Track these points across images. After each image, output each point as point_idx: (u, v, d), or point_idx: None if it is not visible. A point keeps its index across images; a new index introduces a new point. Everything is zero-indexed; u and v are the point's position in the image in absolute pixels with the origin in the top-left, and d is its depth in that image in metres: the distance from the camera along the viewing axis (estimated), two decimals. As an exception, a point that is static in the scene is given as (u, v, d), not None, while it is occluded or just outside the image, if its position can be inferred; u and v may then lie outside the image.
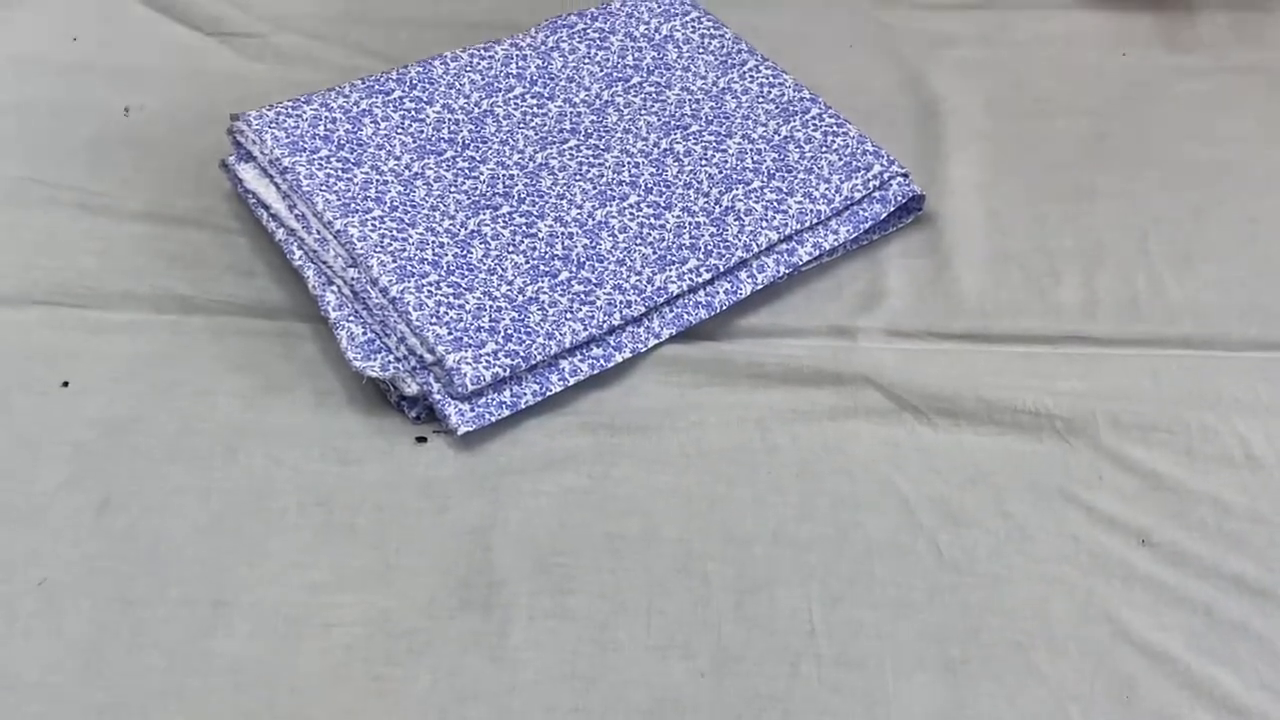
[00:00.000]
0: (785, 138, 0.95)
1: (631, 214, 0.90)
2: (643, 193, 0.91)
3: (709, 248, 0.88)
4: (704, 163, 0.93)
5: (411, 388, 0.80)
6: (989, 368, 0.84)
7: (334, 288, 0.84)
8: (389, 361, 0.81)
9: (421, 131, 0.93)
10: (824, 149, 0.94)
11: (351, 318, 0.83)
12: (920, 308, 0.88)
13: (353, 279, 0.83)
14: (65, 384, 0.82)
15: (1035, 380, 0.84)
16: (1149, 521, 0.77)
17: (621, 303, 0.85)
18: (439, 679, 0.69)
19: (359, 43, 1.08)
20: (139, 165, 0.96)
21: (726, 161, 0.94)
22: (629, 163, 0.93)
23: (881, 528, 0.76)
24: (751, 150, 0.94)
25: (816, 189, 0.91)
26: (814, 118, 0.96)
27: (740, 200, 0.91)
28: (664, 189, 0.92)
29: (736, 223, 0.89)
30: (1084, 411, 0.82)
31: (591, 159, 0.93)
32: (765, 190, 0.91)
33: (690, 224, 0.89)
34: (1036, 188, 0.97)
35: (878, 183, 0.92)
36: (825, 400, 0.82)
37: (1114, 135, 1.02)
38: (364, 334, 0.82)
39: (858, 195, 0.91)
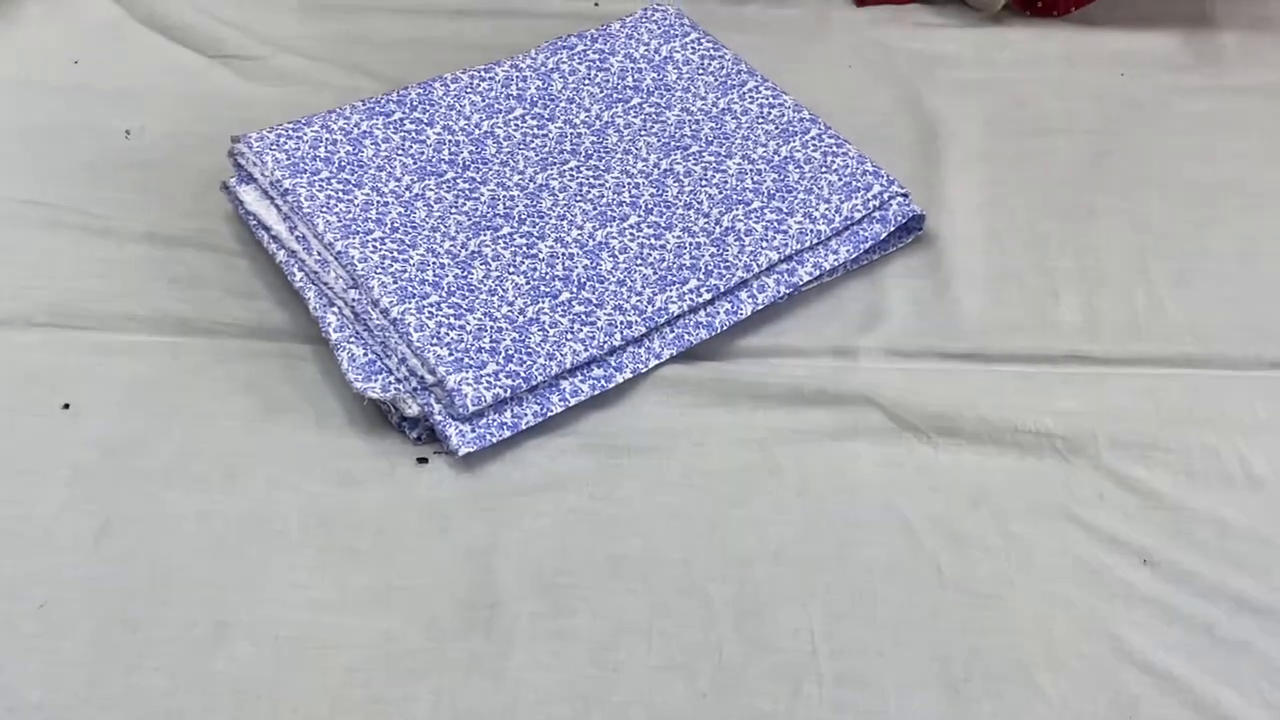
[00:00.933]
0: (785, 158, 0.95)
1: (632, 234, 0.90)
2: (643, 213, 0.91)
3: (709, 268, 0.88)
4: (704, 183, 0.94)
5: (412, 409, 0.80)
6: (989, 387, 0.84)
7: (335, 309, 0.84)
8: (390, 383, 0.81)
9: (422, 153, 0.93)
10: (824, 169, 0.94)
11: (352, 339, 0.83)
12: (921, 328, 0.88)
13: (353, 300, 0.83)
14: (66, 406, 0.82)
15: (1036, 400, 0.84)
16: (1150, 541, 0.77)
17: (622, 323, 0.85)
18: (441, 700, 0.69)
19: (359, 64, 1.09)
20: (140, 187, 0.96)
21: (726, 182, 0.94)
22: (629, 183, 0.93)
23: (883, 547, 0.76)
24: (751, 171, 0.94)
25: (816, 209, 0.92)
26: (814, 138, 0.97)
27: (740, 220, 0.91)
28: (664, 209, 0.92)
29: (737, 243, 0.89)
30: (1084, 431, 0.82)
31: (592, 180, 0.93)
32: (765, 210, 0.92)
33: (690, 244, 0.90)
34: (1036, 207, 0.97)
35: (877, 203, 0.92)
36: (826, 420, 0.82)
37: (1113, 155, 1.02)
38: (365, 355, 0.82)
39: (857, 215, 0.91)
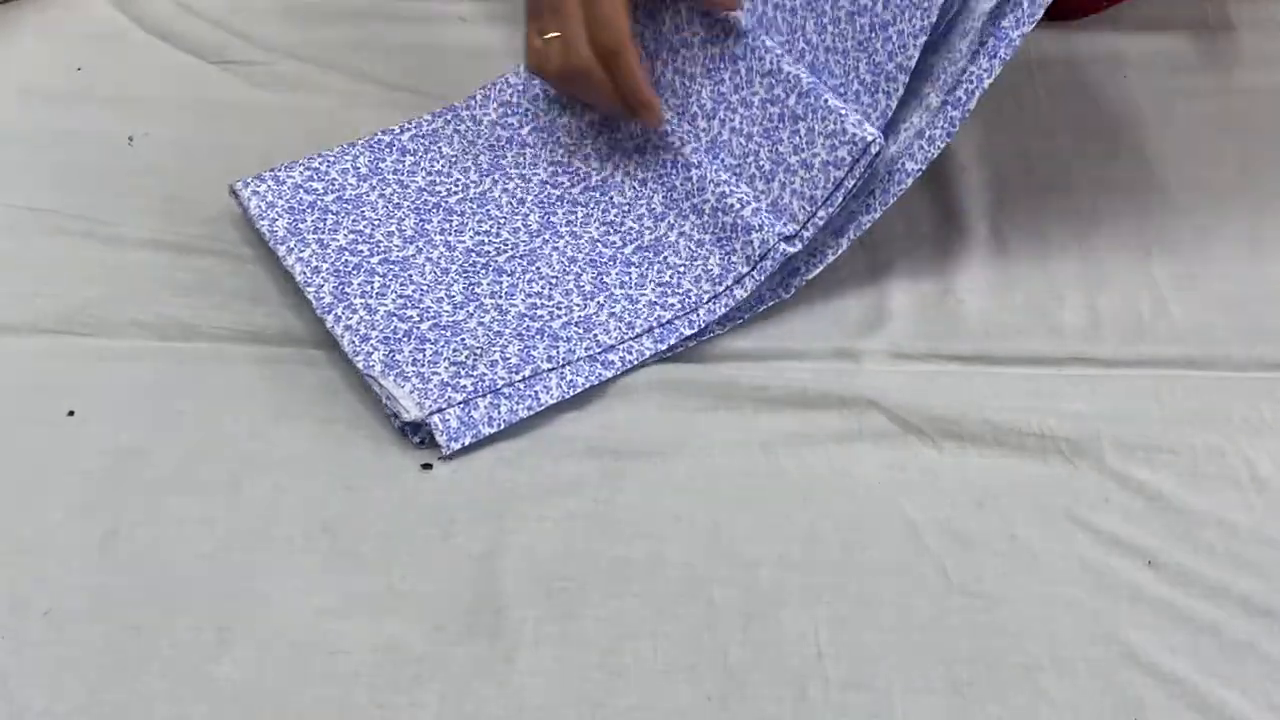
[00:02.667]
0: (774, 128, 0.92)
1: (635, 264, 0.90)
2: (652, 223, 0.92)
3: (716, 273, 0.88)
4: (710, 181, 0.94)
5: (412, 413, 0.80)
6: (993, 390, 0.84)
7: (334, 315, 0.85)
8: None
9: (410, 196, 0.93)
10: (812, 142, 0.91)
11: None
12: (924, 330, 0.88)
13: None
14: (71, 413, 0.82)
15: (1040, 402, 0.84)
16: (1155, 543, 0.77)
17: (618, 327, 0.85)
18: (446, 705, 0.69)
19: (361, 70, 1.09)
20: (144, 193, 0.96)
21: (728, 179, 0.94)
22: (633, 197, 0.93)
23: (887, 551, 0.76)
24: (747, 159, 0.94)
25: (797, 175, 0.90)
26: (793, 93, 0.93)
27: (742, 217, 0.91)
28: (669, 214, 0.92)
29: (740, 238, 0.89)
30: (1089, 433, 0.82)
31: (590, 210, 0.93)
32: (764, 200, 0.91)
33: (695, 245, 0.90)
34: (1039, 209, 0.97)
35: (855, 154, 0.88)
36: (830, 424, 0.82)
37: (1117, 157, 1.02)
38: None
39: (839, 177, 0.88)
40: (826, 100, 0.88)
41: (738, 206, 0.90)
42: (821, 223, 0.88)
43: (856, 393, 0.84)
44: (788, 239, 0.88)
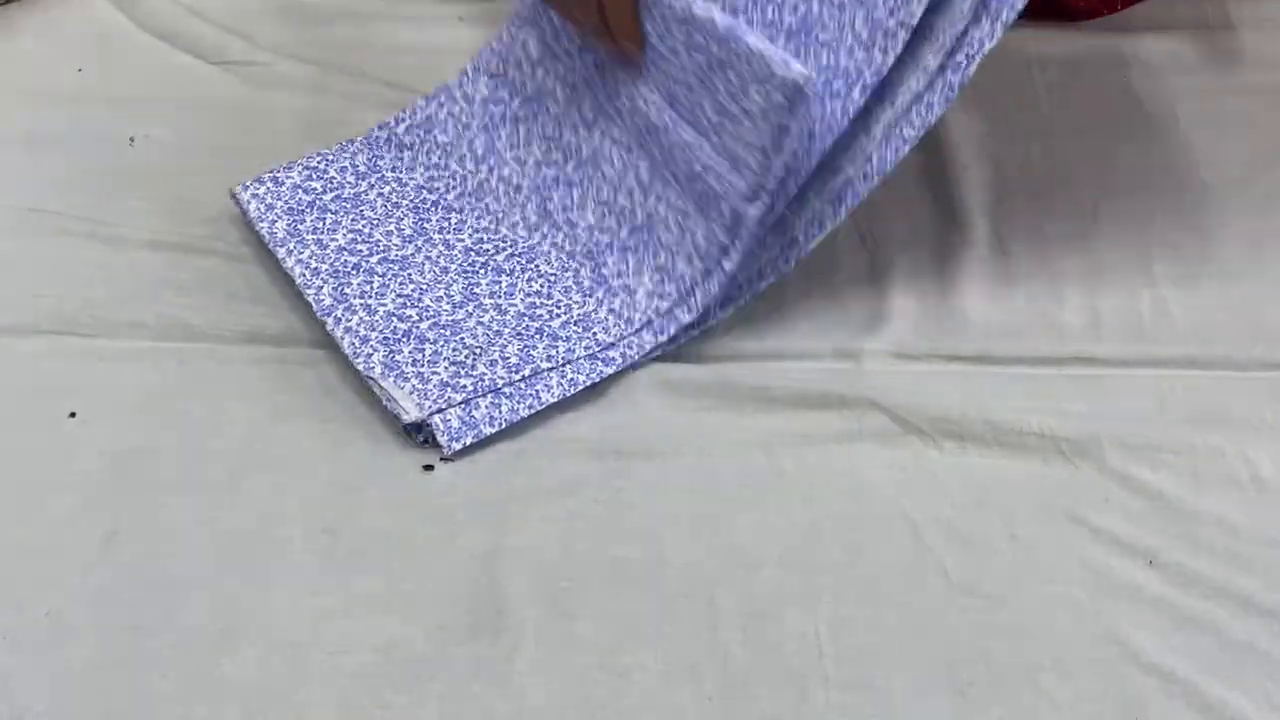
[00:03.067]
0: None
1: (632, 248, 0.89)
2: (641, 196, 0.91)
3: (704, 247, 0.87)
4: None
5: (411, 415, 0.80)
6: (994, 390, 0.84)
7: (334, 316, 0.85)
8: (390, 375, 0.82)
9: (409, 194, 0.93)
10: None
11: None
12: (925, 330, 0.88)
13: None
14: (72, 414, 0.82)
15: (1041, 402, 0.84)
16: (1156, 543, 0.77)
17: (615, 325, 0.85)
18: (446, 706, 0.69)
19: (362, 70, 1.09)
20: (146, 194, 0.96)
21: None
22: (621, 168, 0.93)
23: (889, 551, 0.76)
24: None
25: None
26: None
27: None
28: (656, 180, 0.91)
29: (717, 214, 0.88)
30: (1090, 433, 0.82)
31: (585, 189, 0.93)
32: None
33: (689, 227, 0.88)
34: (1040, 209, 0.97)
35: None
36: (831, 424, 0.82)
37: (1117, 156, 1.02)
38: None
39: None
40: (748, 44, 0.79)
41: (702, 172, 0.85)
42: (781, 174, 0.82)
43: (857, 393, 0.84)
44: (749, 200, 0.82)
